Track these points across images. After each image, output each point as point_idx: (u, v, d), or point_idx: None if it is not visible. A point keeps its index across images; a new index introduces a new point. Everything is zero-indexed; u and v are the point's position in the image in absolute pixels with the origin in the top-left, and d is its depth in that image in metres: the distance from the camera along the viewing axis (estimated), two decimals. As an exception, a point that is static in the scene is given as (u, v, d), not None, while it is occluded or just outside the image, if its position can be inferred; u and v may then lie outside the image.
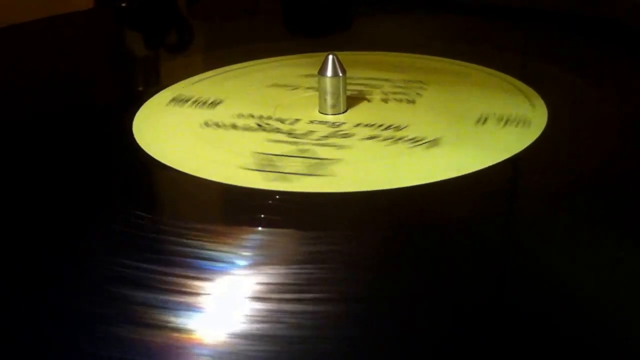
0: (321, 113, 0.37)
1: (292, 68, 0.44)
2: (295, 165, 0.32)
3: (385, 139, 0.34)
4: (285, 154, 0.33)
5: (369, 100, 0.39)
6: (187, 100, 0.39)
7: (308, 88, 0.40)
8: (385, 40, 0.49)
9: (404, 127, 0.35)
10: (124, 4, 0.57)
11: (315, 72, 0.37)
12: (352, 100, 0.38)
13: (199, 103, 0.39)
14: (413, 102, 0.38)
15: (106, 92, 0.44)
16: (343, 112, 0.37)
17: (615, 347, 0.21)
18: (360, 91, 0.39)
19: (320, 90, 0.37)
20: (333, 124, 0.36)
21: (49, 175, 0.33)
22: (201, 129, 0.36)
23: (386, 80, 0.41)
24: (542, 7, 0.53)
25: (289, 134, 0.35)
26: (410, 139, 0.34)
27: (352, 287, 0.24)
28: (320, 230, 0.28)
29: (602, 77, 0.42)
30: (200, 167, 0.32)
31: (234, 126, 0.36)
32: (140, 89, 0.46)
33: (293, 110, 0.38)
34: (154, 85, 0.43)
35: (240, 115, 0.37)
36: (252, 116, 0.37)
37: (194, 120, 0.37)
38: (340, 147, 0.33)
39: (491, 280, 0.25)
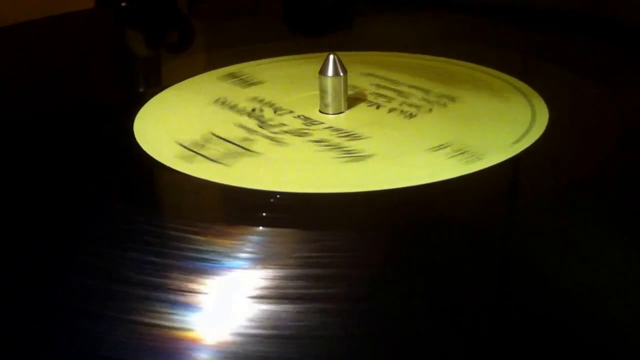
0: (322, 113, 0.37)
1: (292, 68, 0.44)
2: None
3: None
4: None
5: (369, 100, 0.39)
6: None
7: (309, 87, 0.40)
8: (386, 40, 0.49)
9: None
10: (124, 4, 0.57)
11: (316, 71, 0.37)
12: (353, 100, 0.38)
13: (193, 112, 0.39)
14: (412, 101, 0.38)
15: (107, 92, 0.45)
16: (344, 112, 0.37)
17: (616, 347, 0.21)
18: (360, 91, 0.40)
19: (321, 90, 0.37)
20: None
21: (49, 175, 0.33)
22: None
23: (387, 79, 0.41)
24: (542, 6, 0.53)
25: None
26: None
27: (352, 287, 0.24)
28: (321, 230, 0.28)
29: (602, 77, 0.42)
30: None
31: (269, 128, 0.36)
32: (141, 89, 0.46)
33: (294, 111, 0.38)
34: (155, 85, 0.43)
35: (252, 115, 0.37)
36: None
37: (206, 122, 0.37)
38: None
39: (492, 281, 0.25)
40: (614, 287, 0.24)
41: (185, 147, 0.34)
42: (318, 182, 0.31)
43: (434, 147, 0.33)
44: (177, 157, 0.33)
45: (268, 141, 0.34)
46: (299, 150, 0.33)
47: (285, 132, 0.35)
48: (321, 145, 0.34)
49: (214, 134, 0.35)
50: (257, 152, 0.33)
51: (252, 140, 0.35)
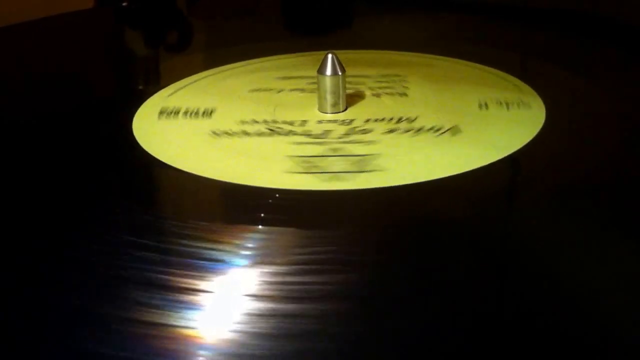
0: (321, 112, 0.37)
1: (292, 67, 0.44)
2: (340, 164, 0.32)
3: (406, 131, 0.35)
4: (321, 155, 0.33)
5: (368, 98, 0.39)
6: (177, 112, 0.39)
7: (307, 87, 0.40)
8: (385, 39, 0.49)
9: (415, 119, 0.36)
10: (124, 3, 0.57)
11: (314, 71, 0.37)
12: (352, 99, 0.38)
13: (191, 112, 0.38)
14: (413, 99, 0.38)
15: (106, 91, 0.45)
16: (343, 111, 0.37)
17: (615, 347, 0.21)
18: (359, 89, 0.40)
19: (320, 89, 0.37)
20: (343, 122, 0.36)
21: (48, 174, 0.33)
22: (211, 137, 0.35)
23: (385, 78, 0.41)
24: (542, 6, 0.53)
25: (308, 135, 0.35)
26: (429, 129, 0.35)
27: (353, 286, 0.24)
28: (324, 229, 0.28)
29: (601, 76, 0.42)
30: (240, 174, 0.32)
31: (245, 133, 0.36)
32: (141, 87, 0.46)
33: (292, 111, 0.38)
34: (154, 84, 0.43)
35: (243, 122, 0.37)
36: (256, 121, 0.37)
37: (196, 124, 0.37)
38: (368, 142, 0.34)
39: (492, 280, 0.25)
40: (613, 287, 0.24)
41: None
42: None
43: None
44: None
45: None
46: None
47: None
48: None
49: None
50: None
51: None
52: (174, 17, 0.59)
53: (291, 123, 0.36)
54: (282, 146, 0.34)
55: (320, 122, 0.36)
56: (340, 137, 0.34)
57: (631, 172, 0.31)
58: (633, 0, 0.50)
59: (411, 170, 0.31)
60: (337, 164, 0.32)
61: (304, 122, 0.36)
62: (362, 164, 0.32)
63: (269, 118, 0.37)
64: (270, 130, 0.36)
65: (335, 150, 0.33)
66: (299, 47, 0.47)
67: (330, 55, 0.36)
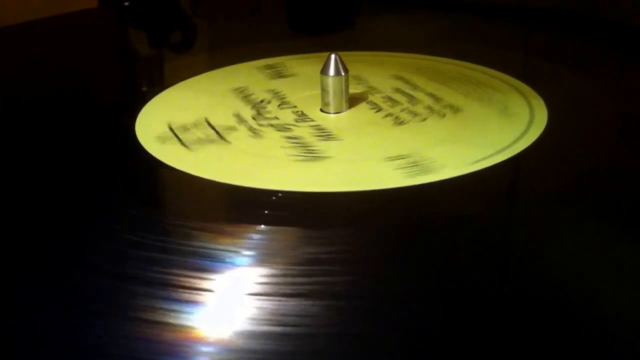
0: (323, 112, 0.37)
1: (294, 67, 0.44)
2: None
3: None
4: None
5: (370, 100, 0.39)
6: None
7: (310, 87, 0.41)
8: (388, 40, 0.49)
9: (417, 119, 0.36)
10: (127, 3, 0.57)
11: (318, 71, 0.37)
12: (354, 100, 0.38)
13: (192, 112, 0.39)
14: (414, 100, 0.39)
15: (110, 92, 0.45)
16: (345, 112, 0.37)
17: (615, 347, 0.22)
18: (361, 90, 0.40)
19: (323, 89, 0.37)
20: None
21: (51, 174, 0.33)
22: (213, 136, 0.35)
23: (388, 79, 0.41)
24: (542, 6, 0.53)
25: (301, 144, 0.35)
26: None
27: (354, 285, 0.24)
28: (324, 229, 0.28)
29: (602, 77, 0.42)
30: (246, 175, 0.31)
31: (250, 132, 0.36)
32: (144, 88, 0.46)
33: (295, 110, 0.38)
34: (158, 84, 0.43)
35: (245, 121, 0.37)
36: (260, 120, 0.37)
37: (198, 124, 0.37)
38: None
39: (493, 280, 0.25)
40: (613, 287, 0.24)
41: (170, 129, 0.36)
42: (258, 176, 0.31)
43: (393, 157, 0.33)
44: (155, 136, 0.35)
45: (248, 132, 0.35)
46: (267, 144, 0.34)
47: (271, 125, 0.36)
48: (291, 142, 0.34)
49: (206, 120, 0.36)
50: (227, 142, 0.34)
51: (234, 129, 0.35)
52: (177, 17, 0.59)
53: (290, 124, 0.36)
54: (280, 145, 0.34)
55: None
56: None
57: (632, 173, 0.32)
58: (633, 1, 0.50)
59: (419, 171, 0.31)
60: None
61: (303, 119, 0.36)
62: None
63: (273, 117, 0.37)
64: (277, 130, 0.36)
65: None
66: (303, 47, 0.47)
67: (333, 56, 0.37)
